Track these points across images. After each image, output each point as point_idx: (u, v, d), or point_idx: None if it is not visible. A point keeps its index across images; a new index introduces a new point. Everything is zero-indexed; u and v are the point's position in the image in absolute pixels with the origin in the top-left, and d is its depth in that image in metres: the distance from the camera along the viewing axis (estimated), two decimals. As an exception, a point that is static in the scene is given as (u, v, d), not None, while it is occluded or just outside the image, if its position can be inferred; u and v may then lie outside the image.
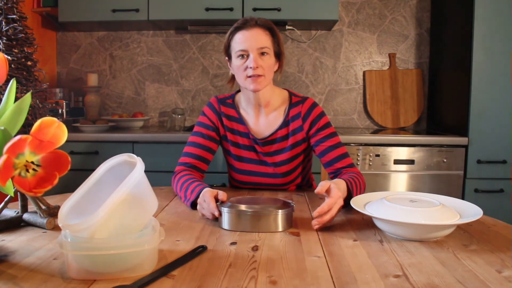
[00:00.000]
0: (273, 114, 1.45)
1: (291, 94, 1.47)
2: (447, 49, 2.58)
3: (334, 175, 1.39)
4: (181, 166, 1.41)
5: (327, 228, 1.05)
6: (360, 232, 1.01)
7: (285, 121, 1.44)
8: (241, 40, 1.34)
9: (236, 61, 1.36)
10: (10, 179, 0.69)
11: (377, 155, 2.29)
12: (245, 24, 1.35)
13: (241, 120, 1.46)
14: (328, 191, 1.06)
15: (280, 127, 1.44)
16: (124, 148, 2.32)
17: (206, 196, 1.10)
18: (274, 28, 1.39)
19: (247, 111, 1.47)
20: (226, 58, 1.43)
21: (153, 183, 0.87)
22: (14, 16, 1.11)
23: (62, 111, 2.52)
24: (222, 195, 1.09)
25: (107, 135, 2.36)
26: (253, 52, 1.32)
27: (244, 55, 1.34)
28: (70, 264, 0.74)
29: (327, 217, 1.01)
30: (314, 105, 1.44)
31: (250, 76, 1.33)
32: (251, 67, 1.32)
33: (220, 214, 1.05)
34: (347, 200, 1.15)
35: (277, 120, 1.45)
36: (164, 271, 0.76)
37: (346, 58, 2.87)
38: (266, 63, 1.34)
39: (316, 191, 1.06)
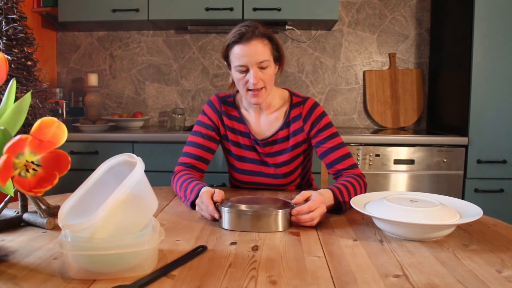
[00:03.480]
0: (274, 115, 1.45)
1: (291, 94, 1.47)
2: (447, 49, 2.58)
3: (335, 176, 1.38)
4: (180, 166, 1.41)
5: (327, 228, 1.05)
6: (360, 232, 1.01)
7: (286, 122, 1.43)
8: (239, 55, 1.30)
9: (235, 74, 1.34)
10: (10, 179, 0.69)
11: (377, 155, 2.29)
12: (242, 38, 1.30)
13: (242, 120, 1.46)
14: (308, 199, 1.08)
15: (281, 128, 1.44)
16: (124, 148, 2.32)
17: (204, 198, 1.10)
18: (272, 35, 1.35)
19: (248, 111, 1.47)
20: (226, 64, 1.42)
21: (153, 183, 0.87)
22: (14, 16, 1.11)
23: (62, 111, 2.52)
24: (217, 195, 1.10)
25: (107, 135, 2.36)
26: (252, 67, 1.30)
27: (243, 70, 1.32)
28: (70, 264, 0.74)
29: (305, 217, 1.04)
30: (315, 105, 1.43)
31: (250, 90, 1.33)
32: (251, 83, 1.31)
33: (220, 216, 1.05)
34: (336, 207, 1.17)
35: (278, 121, 1.45)
36: (164, 271, 0.76)
37: (346, 58, 2.87)
38: (266, 75, 1.32)
39: (294, 200, 1.09)
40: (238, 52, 1.31)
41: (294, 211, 1.04)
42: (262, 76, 1.32)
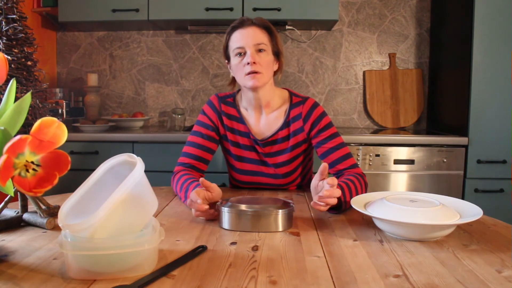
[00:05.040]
0: (273, 115, 1.45)
1: (291, 94, 1.47)
2: (447, 49, 2.58)
3: (336, 176, 1.38)
4: (180, 166, 1.41)
5: (327, 228, 1.05)
6: (360, 232, 1.01)
7: (286, 122, 1.43)
8: (237, 39, 1.35)
9: (234, 60, 1.37)
10: (10, 179, 0.69)
11: (377, 155, 2.29)
12: (242, 24, 1.36)
13: (241, 120, 1.46)
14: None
15: (281, 128, 1.44)
16: (124, 148, 2.32)
17: (193, 195, 1.07)
18: (271, 27, 1.39)
19: (247, 111, 1.47)
20: (226, 61, 1.43)
21: (153, 183, 0.87)
22: (14, 16, 1.10)
23: (62, 111, 2.52)
24: (210, 192, 1.09)
25: (107, 135, 2.36)
26: (249, 48, 1.33)
27: (241, 52, 1.34)
28: (70, 264, 0.74)
29: (329, 200, 1.03)
30: (315, 105, 1.43)
31: (248, 74, 1.34)
32: (248, 63, 1.32)
33: (218, 213, 1.05)
34: (336, 206, 1.16)
35: (278, 120, 1.45)
36: (164, 271, 0.76)
37: (346, 58, 2.87)
38: (263, 59, 1.34)
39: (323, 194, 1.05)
40: (236, 36, 1.36)
41: (325, 192, 1.02)
42: (259, 59, 1.34)
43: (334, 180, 1.03)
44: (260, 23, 1.37)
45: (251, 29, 1.35)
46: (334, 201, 1.04)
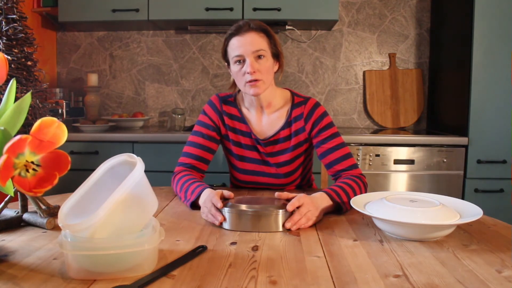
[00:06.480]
0: (275, 114, 1.45)
1: (293, 94, 1.47)
2: (447, 49, 2.58)
3: (334, 177, 1.38)
4: (180, 167, 1.41)
5: (327, 228, 1.05)
6: (360, 232, 1.01)
7: (288, 121, 1.43)
8: (236, 46, 1.33)
9: (234, 67, 1.36)
10: (10, 179, 0.69)
11: (377, 155, 2.29)
12: (239, 30, 1.34)
13: (243, 119, 1.46)
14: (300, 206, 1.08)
15: (283, 128, 1.43)
16: (124, 148, 2.32)
17: (208, 203, 1.09)
18: (269, 29, 1.38)
19: (249, 110, 1.47)
20: (226, 64, 1.43)
21: (153, 183, 0.87)
22: (14, 16, 1.11)
23: (62, 111, 2.52)
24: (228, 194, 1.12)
25: (107, 135, 2.36)
26: (249, 56, 1.32)
27: (240, 60, 1.33)
28: (70, 264, 0.74)
29: (300, 222, 1.04)
30: (317, 105, 1.43)
31: (248, 82, 1.33)
32: (248, 72, 1.31)
33: (225, 219, 1.05)
34: (336, 208, 1.18)
35: (280, 120, 1.45)
36: (164, 271, 0.76)
37: (346, 58, 2.87)
38: (263, 66, 1.33)
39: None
40: (234, 43, 1.34)
41: (288, 225, 1.03)
42: (259, 67, 1.32)
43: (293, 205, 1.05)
44: (257, 27, 1.34)
45: (249, 35, 1.32)
46: (306, 225, 1.05)
